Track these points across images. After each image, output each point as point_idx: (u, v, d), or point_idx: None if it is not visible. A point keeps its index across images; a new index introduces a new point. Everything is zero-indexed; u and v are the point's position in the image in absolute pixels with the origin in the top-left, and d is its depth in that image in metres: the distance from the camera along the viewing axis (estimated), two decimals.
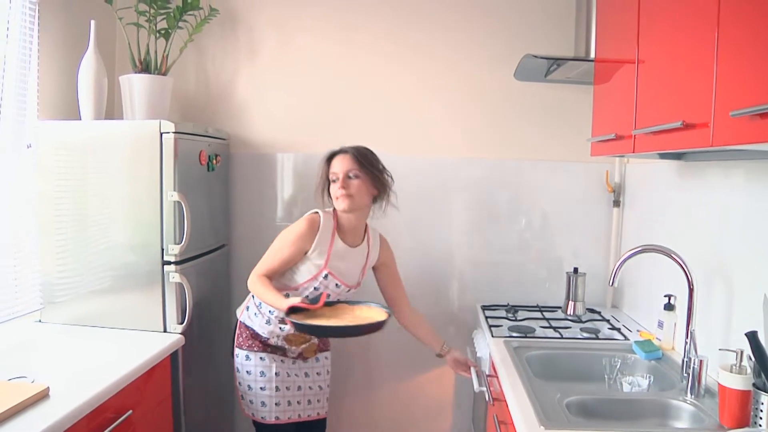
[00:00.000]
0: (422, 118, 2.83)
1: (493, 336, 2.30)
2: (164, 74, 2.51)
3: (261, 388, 2.18)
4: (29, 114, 2.30)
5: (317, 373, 2.34)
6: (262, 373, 2.18)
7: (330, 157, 2.13)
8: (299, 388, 2.26)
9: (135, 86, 2.42)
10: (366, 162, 2.09)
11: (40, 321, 2.34)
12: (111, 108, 2.67)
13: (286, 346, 2.23)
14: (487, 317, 2.55)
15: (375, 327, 1.97)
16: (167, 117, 2.43)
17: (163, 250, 2.21)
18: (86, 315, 2.31)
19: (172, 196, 2.18)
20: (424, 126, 2.84)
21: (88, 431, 1.63)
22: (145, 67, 2.47)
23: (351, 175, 2.07)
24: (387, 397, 2.96)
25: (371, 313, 2.07)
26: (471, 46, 2.78)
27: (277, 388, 2.19)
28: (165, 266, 2.24)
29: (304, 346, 2.26)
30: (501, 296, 2.85)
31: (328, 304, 2.09)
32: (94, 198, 2.27)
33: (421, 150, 2.85)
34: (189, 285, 2.24)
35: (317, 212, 2.14)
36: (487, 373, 2.25)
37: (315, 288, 2.13)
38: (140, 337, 2.20)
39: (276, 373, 2.19)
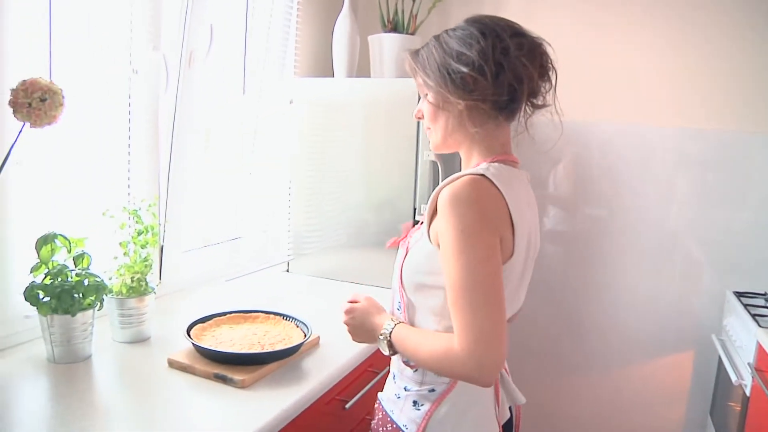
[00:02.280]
0: (660, 88, 2.58)
1: (760, 326, 2.06)
2: (413, 34, 2.49)
3: None
4: (287, 72, 2.39)
5: None
6: None
7: None
8: None
9: (385, 45, 2.42)
10: (419, 66, 1.21)
11: (287, 271, 2.45)
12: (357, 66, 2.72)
13: None
14: (745, 305, 2.30)
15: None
16: None
17: (415, 210, 2.21)
18: (330, 268, 2.39)
19: (428, 155, 2.16)
20: (657, 95, 2.59)
21: (355, 382, 1.65)
22: (393, 27, 2.47)
23: (421, 95, 1.26)
24: (615, 379, 2.80)
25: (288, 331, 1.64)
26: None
27: None
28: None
29: None
30: (746, 283, 2.56)
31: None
32: (344, 155, 2.32)
33: (652, 120, 2.61)
34: None
35: None
36: (753, 364, 2.03)
37: None
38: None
39: None
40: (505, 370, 1.30)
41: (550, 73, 1.19)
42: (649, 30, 2.56)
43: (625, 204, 2.69)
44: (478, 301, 1.04)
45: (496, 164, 1.15)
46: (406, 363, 1.23)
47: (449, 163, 2.19)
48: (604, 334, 2.80)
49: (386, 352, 1.22)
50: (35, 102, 1.21)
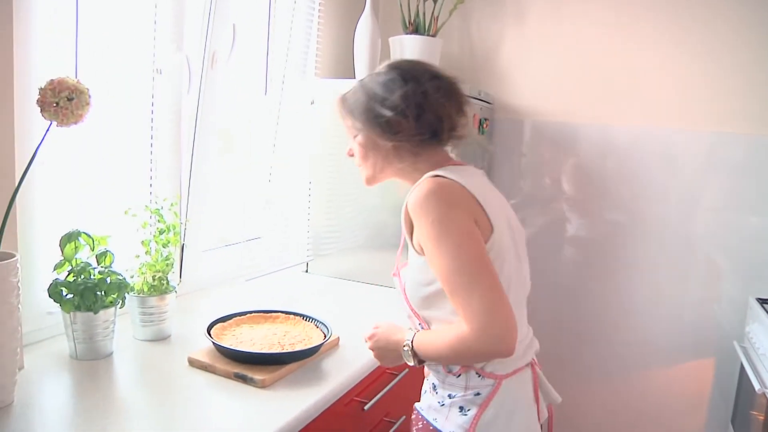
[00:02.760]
0: (683, 90, 2.54)
1: None
2: (434, 36, 2.48)
3: None
4: (309, 73, 2.40)
5: None
6: None
7: None
8: None
9: (406, 47, 2.43)
10: (347, 111, 1.32)
11: (306, 272, 2.46)
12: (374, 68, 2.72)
13: None
14: None
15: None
16: None
17: None
18: (348, 269, 2.39)
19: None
20: (681, 97, 2.55)
21: (374, 384, 1.65)
22: (415, 29, 2.47)
23: (351, 136, 1.35)
24: (634, 385, 2.77)
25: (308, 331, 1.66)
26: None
27: None
28: None
29: None
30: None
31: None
32: None
33: (674, 123, 2.58)
34: None
35: None
36: None
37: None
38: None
39: None
40: (539, 368, 1.33)
41: (466, 107, 1.29)
42: (671, 32, 2.54)
43: (647, 208, 2.66)
44: (469, 280, 1.08)
45: (442, 169, 1.21)
46: (449, 371, 1.24)
47: None
48: (623, 339, 2.76)
49: (412, 363, 1.25)
50: (62, 101, 1.22)
